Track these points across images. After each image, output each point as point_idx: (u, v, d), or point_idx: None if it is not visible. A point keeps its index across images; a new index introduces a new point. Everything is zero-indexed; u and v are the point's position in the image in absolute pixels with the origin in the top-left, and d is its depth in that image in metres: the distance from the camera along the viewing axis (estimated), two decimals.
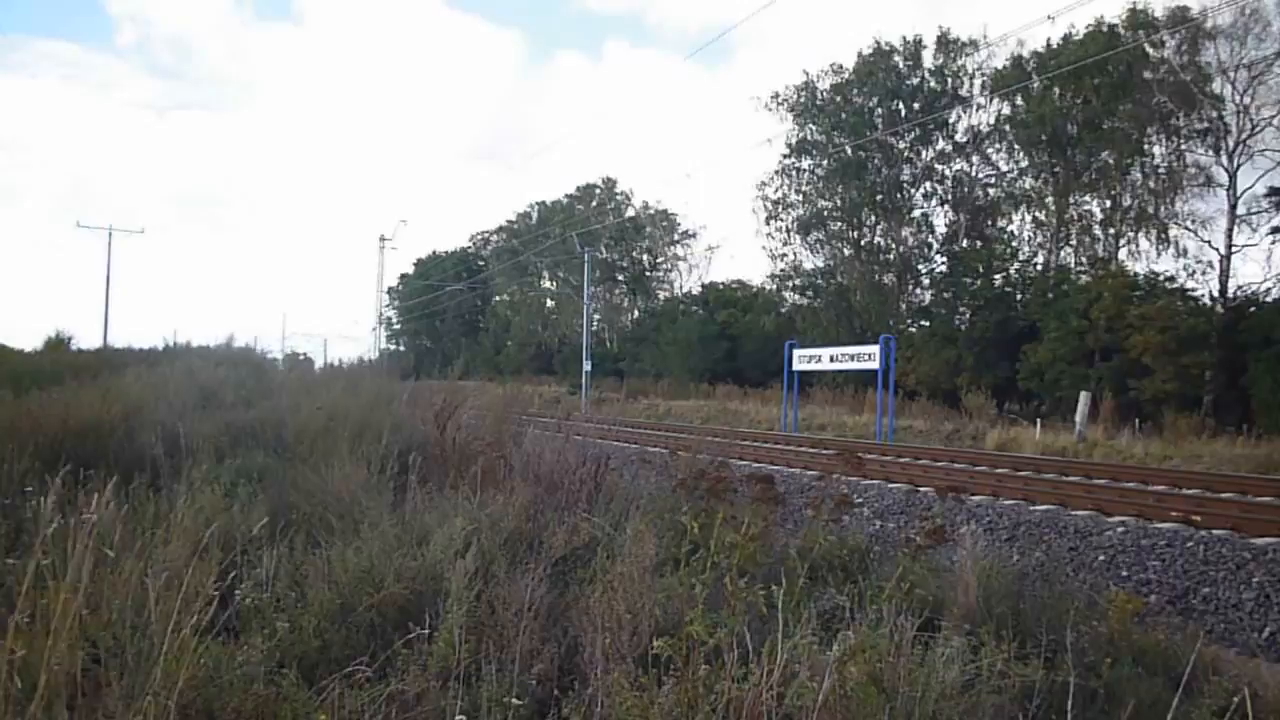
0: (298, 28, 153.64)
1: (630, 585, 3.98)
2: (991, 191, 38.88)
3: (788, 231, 41.58)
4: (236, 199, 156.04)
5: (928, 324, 36.46)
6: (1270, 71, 28.77)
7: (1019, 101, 35.66)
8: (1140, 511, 10.15)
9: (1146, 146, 32.97)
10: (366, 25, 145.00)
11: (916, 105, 38.85)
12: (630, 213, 60.39)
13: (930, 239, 40.89)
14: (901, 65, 39.22)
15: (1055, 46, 33.87)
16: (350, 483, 5.97)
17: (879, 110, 40.01)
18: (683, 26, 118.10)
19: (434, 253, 78.00)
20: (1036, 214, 37.55)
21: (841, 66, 40.08)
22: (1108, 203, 34.82)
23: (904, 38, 39.37)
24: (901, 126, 38.46)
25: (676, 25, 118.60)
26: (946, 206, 40.55)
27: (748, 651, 3.09)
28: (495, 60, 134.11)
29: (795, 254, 41.89)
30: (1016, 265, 36.95)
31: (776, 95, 41.33)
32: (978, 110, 38.70)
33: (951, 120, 39.10)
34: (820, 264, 41.27)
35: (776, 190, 41.83)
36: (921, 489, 11.97)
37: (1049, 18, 35.98)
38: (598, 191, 63.28)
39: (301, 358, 60.78)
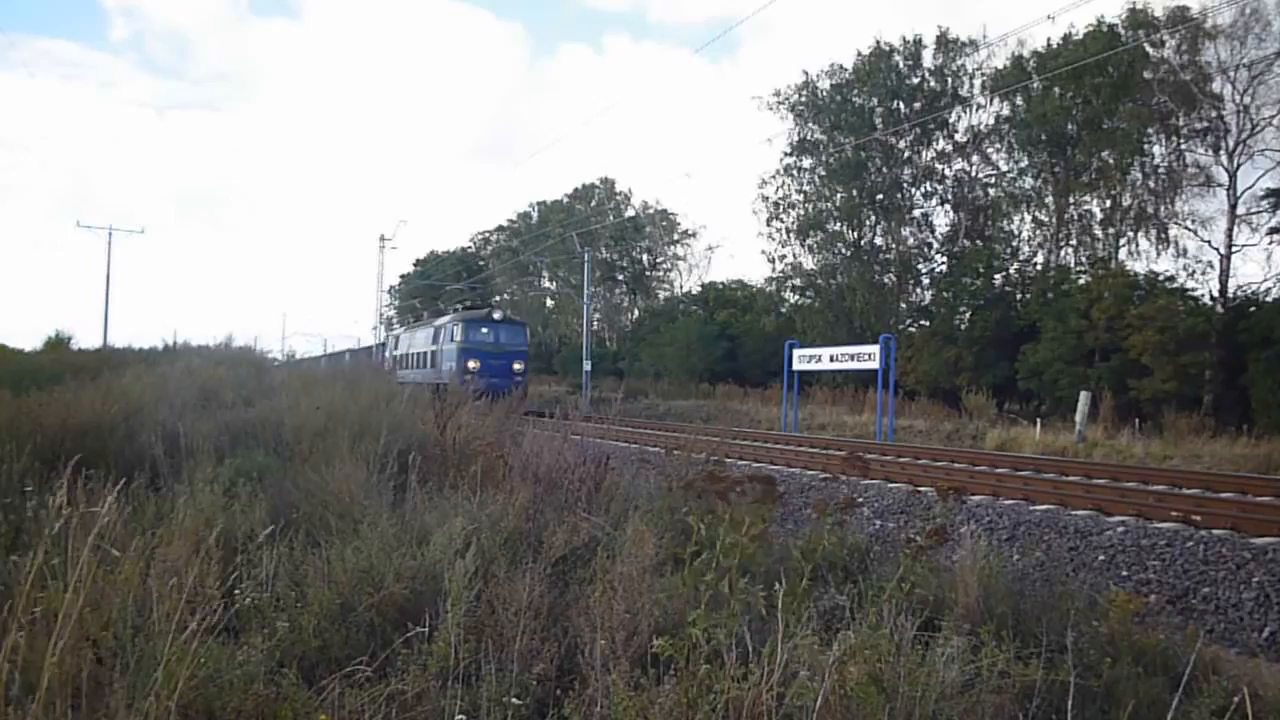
0: (296, 23, 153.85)
1: (630, 585, 3.98)
2: (991, 191, 38.88)
3: (788, 232, 41.58)
4: (236, 198, 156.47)
5: (927, 324, 36.46)
6: (1270, 71, 28.76)
7: (1019, 101, 35.66)
8: (1140, 511, 10.14)
9: (1146, 146, 32.95)
10: (365, 20, 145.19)
11: (917, 105, 38.84)
12: (630, 212, 60.44)
13: (930, 239, 40.93)
14: (901, 65, 39.21)
15: (1055, 46, 33.87)
16: (350, 482, 5.97)
17: (879, 110, 40.01)
18: (685, 23, 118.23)
19: (434, 252, 78.08)
20: (1036, 214, 37.55)
21: (842, 67, 40.11)
22: (1108, 203, 34.80)
23: (904, 37, 39.38)
24: (902, 126, 38.44)
25: (679, 22, 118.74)
26: (946, 206, 40.57)
27: (748, 651, 3.09)
28: (497, 56, 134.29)
29: (795, 254, 41.90)
30: (1016, 265, 36.96)
31: (777, 94, 41.37)
32: (978, 110, 38.72)
33: (951, 120, 39.10)
34: (820, 264, 41.25)
35: (777, 190, 41.86)
36: (922, 489, 11.96)
37: (1049, 17, 36.09)
38: (597, 191, 63.29)
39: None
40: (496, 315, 31.50)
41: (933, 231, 40.84)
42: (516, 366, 29.79)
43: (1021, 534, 9.66)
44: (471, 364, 27.61)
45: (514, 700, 3.31)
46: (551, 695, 3.62)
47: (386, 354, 41.24)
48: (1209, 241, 31.10)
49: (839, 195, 40.08)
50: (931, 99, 38.58)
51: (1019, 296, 34.36)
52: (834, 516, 4.62)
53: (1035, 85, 33.88)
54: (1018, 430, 23.73)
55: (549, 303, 65.12)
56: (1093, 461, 17.50)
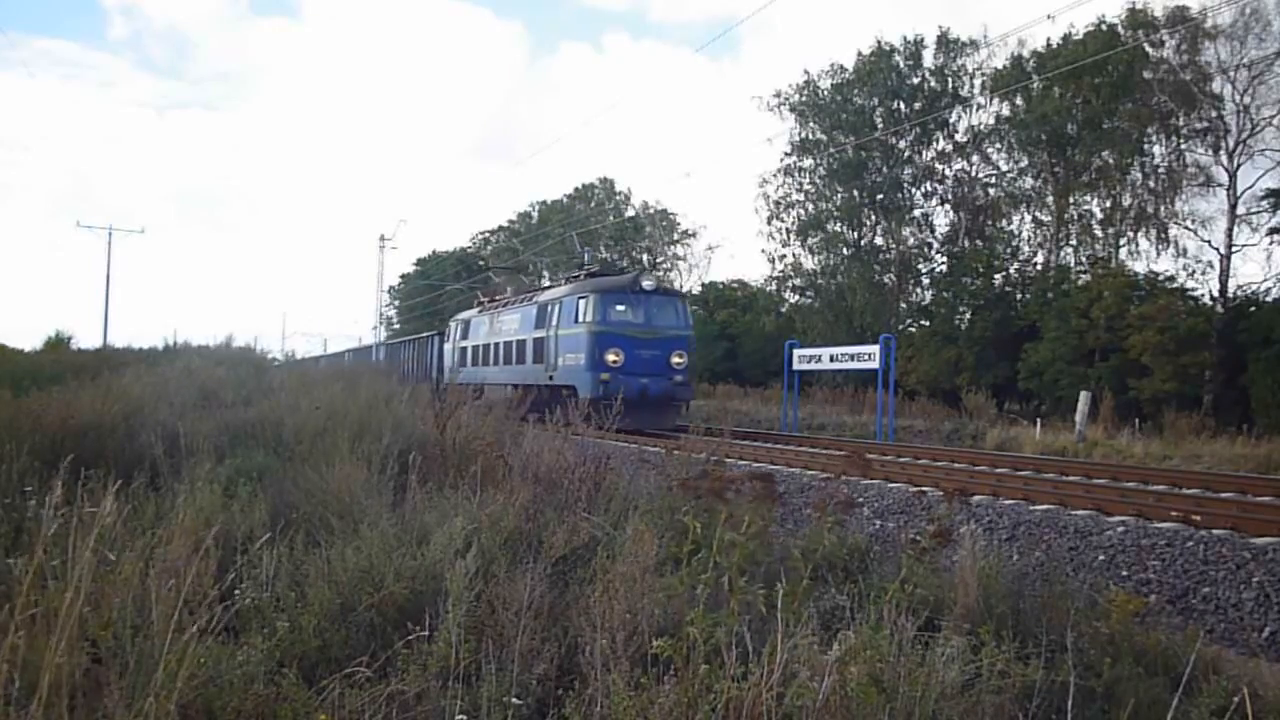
0: (295, 22, 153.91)
1: (630, 585, 3.98)
2: (991, 191, 38.92)
3: (788, 232, 41.64)
4: (236, 198, 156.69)
5: (928, 324, 36.48)
6: (1270, 71, 28.79)
7: (1019, 101, 35.68)
8: (1140, 511, 10.14)
9: (1146, 146, 32.99)
10: (365, 18, 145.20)
11: (917, 105, 38.88)
12: (630, 212, 60.48)
13: (930, 239, 40.98)
14: (902, 65, 39.25)
15: (1055, 46, 33.89)
16: (350, 482, 5.97)
17: (879, 110, 40.05)
18: (686, 22, 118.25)
19: (434, 252, 78.16)
20: (1036, 214, 37.61)
21: (842, 67, 40.16)
22: (1108, 203, 34.84)
23: (904, 38, 39.47)
24: (902, 126, 38.48)
25: (679, 21, 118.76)
26: (946, 206, 40.61)
27: (747, 651, 3.09)
28: (497, 55, 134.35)
29: (795, 254, 41.94)
30: (1016, 265, 37.00)
31: (778, 94, 41.45)
32: (978, 110, 38.77)
33: (952, 120, 39.14)
34: (820, 264, 41.27)
35: (778, 190, 41.91)
36: (922, 489, 11.96)
37: (1049, 17, 36.13)
38: (597, 191, 63.33)
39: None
40: (647, 283, 21.58)
41: (933, 231, 40.91)
42: (676, 360, 20.88)
43: (1021, 534, 9.65)
44: (611, 356, 20.10)
45: (514, 700, 3.31)
46: (552, 695, 3.62)
47: (448, 346, 31.53)
48: (1209, 241, 31.16)
49: (839, 195, 40.11)
50: (932, 99, 38.61)
51: (1019, 296, 34.37)
52: (834, 515, 4.62)
53: (1035, 85, 33.89)
54: (1018, 430, 23.73)
55: None
56: (1093, 461, 17.49)
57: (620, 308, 21.19)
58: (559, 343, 22.06)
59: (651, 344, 20.77)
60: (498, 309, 27.60)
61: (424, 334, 38.17)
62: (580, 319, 21.20)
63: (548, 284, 30.30)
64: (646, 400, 18.84)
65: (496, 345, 26.45)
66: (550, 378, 21.87)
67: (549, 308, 23.01)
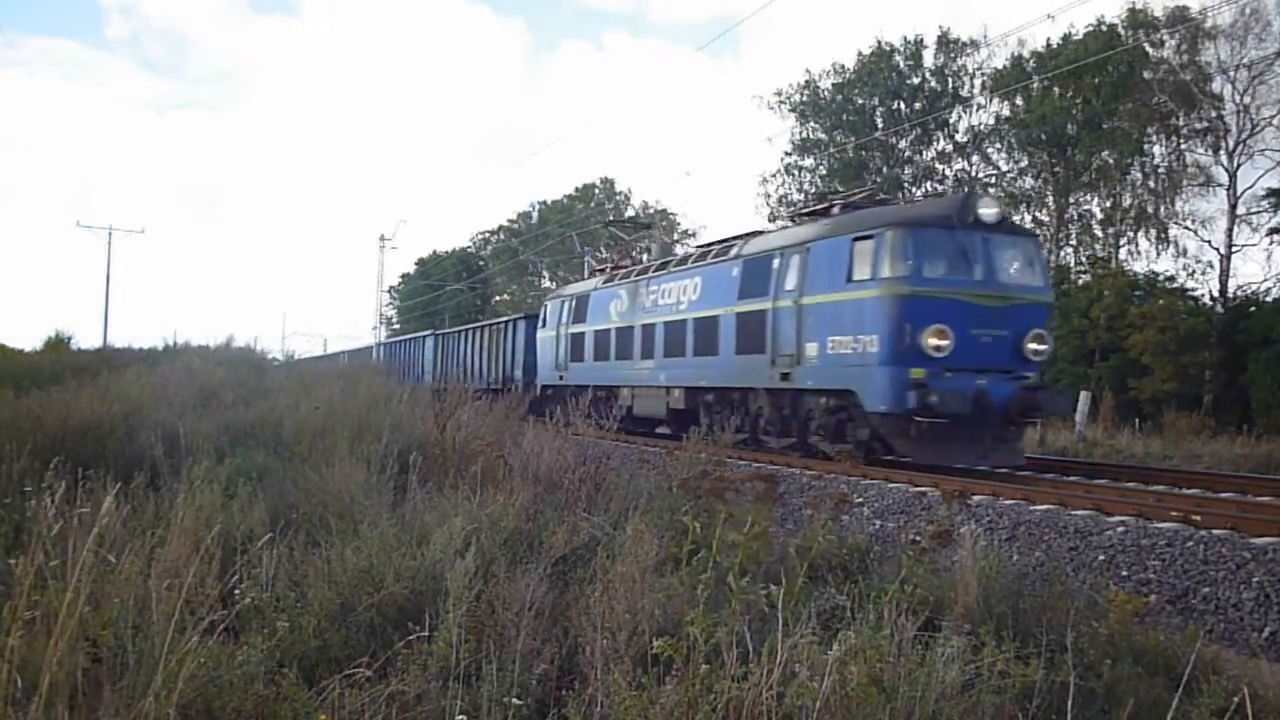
0: (294, 20, 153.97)
1: (630, 585, 3.98)
2: (991, 191, 38.91)
3: None
4: (236, 197, 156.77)
5: None
6: (1270, 71, 28.80)
7: (1019, 101, 35.69)
8: (1140, 511, 10.13)
9: (1146, 146, 33.00)
10: (364, 16, 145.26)
11: (917, 105, 38.89)
12: (630, 212, 60.52)
13: None
14: (902, 65, 39.27)
15: (1055, 46, 33.90)
16: (350, 482, 5.97)
17: (880, 110, 40.07)
18: (685, 23, 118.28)
19: (434, 252, 78.22)
20: (1036, 214, 37.61)
21: (843, 66, 40.21)
22: (1108, 203, 34.85)
23: (905, 38, 39.53)
24: (902, 126, 38.50)
25: (679, 22, 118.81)
26: None
27: (748, 651, 3.09)
28: (498, 53, 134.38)
29: None
30: None
31: (779, 94, 41.52)
32: (978, 110, 38.79)
33: (952, 120, 39.14)
34: None
35: (778, 188, 41.99)
36: (922, 489, 11.97)
37: (1049, 17, 36.14)
38: (596, 191, 63.40)
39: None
40: (987, 212, 12.19)
41: None
42: (1033, 346, 12.17)
43: (1021, 534, 9.65)
44: (932, 339, 11.55)
45: (515, 700, 3.31)
46: (552, 695, 3.61)
47: (544, 334, 22.54)
48: (1209, 241, 31.18)
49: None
50: (932, 99, 38.63)
51: None
52: (828, 512, 4.63)
53: (1035, 85, 33.90)
54: None
55: None
56: (1093, 461, 17.48)
57: (940, 255, 12.20)
58: (807, 317, 13.21)
59: (996, 317, 12.03)
60: (646, 275, 18.38)
61: (499, 319, 28.46)
62: (864, 274, 12.28)
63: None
64: (985, 413, 11.64)
65: (647, 329, 17.54)
66: (784, 376, 13.56)
67: (775, 261, 14.03)
